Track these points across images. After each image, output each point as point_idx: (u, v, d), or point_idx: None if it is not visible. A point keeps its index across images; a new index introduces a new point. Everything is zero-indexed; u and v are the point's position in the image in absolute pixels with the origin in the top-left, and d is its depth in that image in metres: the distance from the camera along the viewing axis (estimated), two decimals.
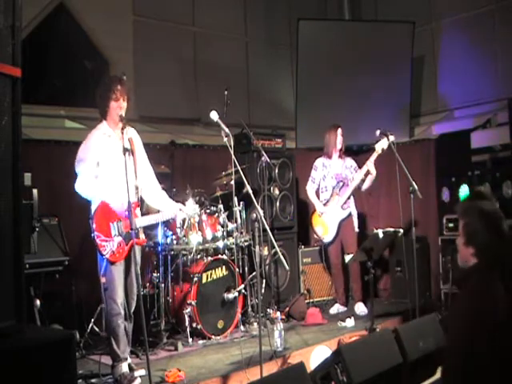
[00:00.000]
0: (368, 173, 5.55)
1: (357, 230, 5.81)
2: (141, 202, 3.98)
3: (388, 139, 5.20)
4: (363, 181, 5.62)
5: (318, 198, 5.87)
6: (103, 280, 3.74)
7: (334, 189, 5.74)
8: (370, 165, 5.48)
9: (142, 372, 3.78)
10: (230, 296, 4.96)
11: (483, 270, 2.33)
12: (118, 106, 3.78)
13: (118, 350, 3.74)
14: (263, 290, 5.47)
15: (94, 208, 3.76)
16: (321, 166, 5.88)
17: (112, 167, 3.76)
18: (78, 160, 3.77)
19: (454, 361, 2.17)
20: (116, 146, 3.79)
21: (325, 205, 5.77)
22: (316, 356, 4.25)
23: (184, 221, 4.99)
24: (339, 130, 5.78)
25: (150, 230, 5.02)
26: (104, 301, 3.78)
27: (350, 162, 5.85)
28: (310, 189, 5.92)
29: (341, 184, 5.72)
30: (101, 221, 3.73)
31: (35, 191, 4.18)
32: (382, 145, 5.32)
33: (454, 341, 2.21)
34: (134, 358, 4.10)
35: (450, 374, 2.20)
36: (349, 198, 5.70)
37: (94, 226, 3.71)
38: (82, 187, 3.72)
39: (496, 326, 2.14)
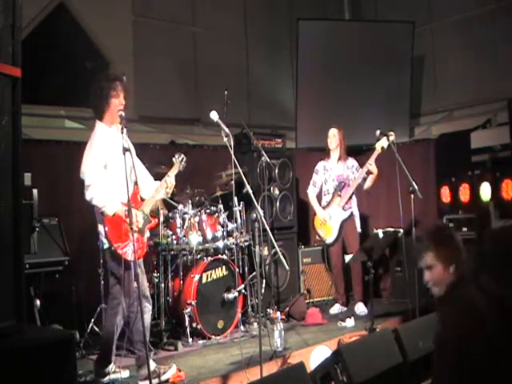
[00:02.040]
0: (369, 172, 5.54)
1: (359, 230, 5.80)
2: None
3: (388, 139, 5.20)
4: (365, 179, 5.61)
5: (321, 201, 5.86)
6: (135, 284, 3.66)
7: (336, 190, 5.73)
8: (370, 164, 5.47)
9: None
10: (230, 296, 4.96)
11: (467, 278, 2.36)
12: (120, 103, 3.75)
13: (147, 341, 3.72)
14: (263, 290, 5.46)
15: (102, 218, 3.72)
16: (322, 169, 5.88)
17: (117, 167, 3.73)
18: (84, 170, 3.69)
19: (449, 362, 2.17)
20: (118, 146, 3.77)
21: (326, 206, 5.77)
22: (316, 356, 4.25)
23: (184, 220, 4.99)
24: (329, 131, 5.79)
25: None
26: (137, 302, 3.64)
27: (351, 162, 5.84)
28: (311, 193, 5.92)
29: (342, 184, 5.71)
30: (114, 230, 3.68)
31: (35, 191, 4.17)
32: (382, 144, 5.32)
33: (448, 341, 2.21)
34: (134, 358, 4.09)
35: (444, 375, 2.20)
36: (350, 198, 5.69)
37: (111, 239, 3.66)
38: (95, 198, 3.65)
39: (492, 326, 2.14)
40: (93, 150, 3.72)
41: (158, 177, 4.18)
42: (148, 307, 3.78)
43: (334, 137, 5.79)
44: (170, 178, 3.99)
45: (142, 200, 3.94)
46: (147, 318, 3.75)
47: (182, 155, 4.09)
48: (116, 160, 3.74)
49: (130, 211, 3.49)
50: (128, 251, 3.67)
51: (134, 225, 3.64)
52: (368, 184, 5.66)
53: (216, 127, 4.14)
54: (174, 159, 4.07)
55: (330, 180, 5.80)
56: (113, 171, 3.73)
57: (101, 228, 3.74)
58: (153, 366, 3.76)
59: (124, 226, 3.71)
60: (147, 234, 3.93)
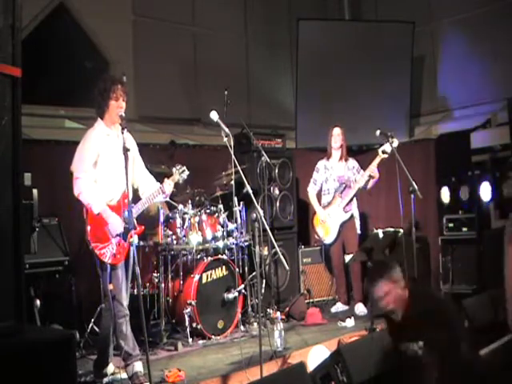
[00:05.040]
0: (371, 176, 5.53)
1: (359, 232, 5.80)
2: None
3: (391, 144, 5.19)
4: (367, 183, 5.60)
5: (320, 200, 5.87)
6: (111, 287, 3.68)
7: (336, 191, 5.73)
8: (372, 169, 5.46)
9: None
10: (230, 296, 4.97)
11: None
12: (118, 106, 3.76)
13: (129, 348, 3.73)
14: (263, 290, 5.47)
15: (86, 216, 3.72)
16: (322, 168, 5.87)
17: (109, 167, 3.75)
18: (75, 163, 3.71)
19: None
20: (114, 144, 3.77)
21: (327, 206, 5.76)
22: (313, 356, 4.24)
23: (184, 220, 4.99)
24: (334, 130, 5.78)
25: (150, 229, 5.03)
26: (110, 305, 3.71)
27: (352, 163, 5.83)
28: (312, 190, 5.92)
29: (343, 186, 5.71)
30: (95, 229, 3.70)
31: (35, 191, 4.17)
32: (384, 149, 5.28)
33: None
34: None
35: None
36: (351, 200, 5.69)
37: (90, 237, 3.68)
38: (82, 194, 3.67)
39: None
40: (84, 146, 3.75)
41: (158, 177, 4.17)
42: (123, 312, 3.72)
43: (338, 136, 5.78)
44: (169, 186, 3.95)
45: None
46: (120, 322, 3.71)
47: (184, 168, 4.05)
48: (108, 160, 3.75)
49: (131, 212, 3.50)
50: (106, 253, 3.68)
51: (115, 232, 3.68)
52: (369, 187, 5.66)
53: (216, 127, 4.14)
54: (174, 169, 4.05)
55: (331, 179, 5.80)
56: (103, 170, 3.74)
57: (85, 226, 3.74)
58: (139, 366, 3.75)
59: (106, 227, 3.72)
60: (135, 240, 3.85)
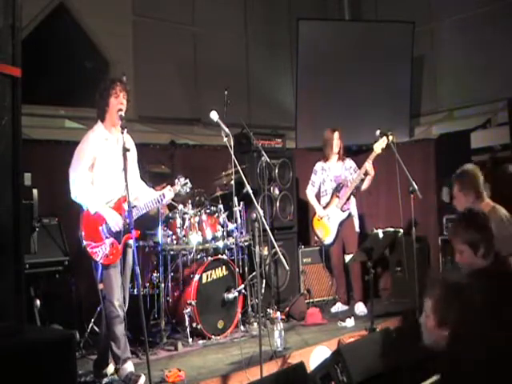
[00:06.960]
0: (367, 173, 5.54)
1: (357, 230, 5.82)
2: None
3: (388, 139, 5.19)
4: (363, 181, 5.62)
5: (319, 201, 5.88)
6: (101, 286, 3.72)
7: (334, 191, 5.74)
8: (368, 166, 5.47)
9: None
10: (230, 296, 4.97)
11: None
12: (119, 103, 3.75)
13: (119, 350, 3.73)
14: (263, 290, 5.46)
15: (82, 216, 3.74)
16: (320, 169, 5.90)
17: (106, 170, 3.75)
18: (72, 165, 3.72)
19: None
20: (112, 148, 3.78)
21: (325, 207, 5.78)
22: (315, 356, 4.25)
23: (184, 220, 4.99)
24: (336, 134, 5.78)
25: (150, 229, 5.03)
26: (102, 305, 3.76)
27: (349, 163, 5.85)
28: (310, 192, 5.94)
29: (340, 186, 5.72)
30: (88, 228, 3.72)
31: (35, 191, 4.18)
32: (380, 145, 5.32)
33: None
34: (133, 358, 4.09)
35: None
36: (349, 198, 5.70)
37: (83, 235, 3.70)
38: (79, 196, 3.69)
39: None
40: (82, 148, 3.76)
41: (158, 177, 4.17)
42: (115, 313, 3.71)
43: (338, 140, 5.80)
44: (169, 194, 3.97)
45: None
46: (112, 322, 3.71)
47: (187, 181, 4.04)
48: (105, 163, 3.76)
49: (131, 213, 3.50)
50: (98, 252, 3.69)
51: (114, 228, 3.68)
52: (365, 185, 5.67)
53: (216, 127, 4.15)
54: (176, 180, 4.05)
55: (328, 180, 5.82)
56: (100, 173, 3.75)
57: (80, 226, 3.76)
58: (130, 366, 3.76)
59: (100, 227, 3.72)
60: (132, 244, 3.83)
